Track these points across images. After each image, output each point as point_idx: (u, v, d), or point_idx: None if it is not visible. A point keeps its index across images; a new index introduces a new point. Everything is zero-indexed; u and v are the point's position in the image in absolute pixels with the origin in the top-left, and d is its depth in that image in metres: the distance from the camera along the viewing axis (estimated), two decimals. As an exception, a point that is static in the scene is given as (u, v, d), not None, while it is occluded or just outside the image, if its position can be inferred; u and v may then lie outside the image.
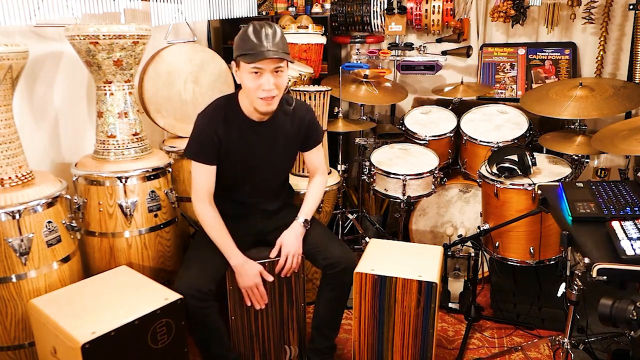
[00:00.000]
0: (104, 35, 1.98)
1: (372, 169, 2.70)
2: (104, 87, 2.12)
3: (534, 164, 2.28)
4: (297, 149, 2.11)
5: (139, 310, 1.66)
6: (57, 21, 2.11)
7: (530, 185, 2.23)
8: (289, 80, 2.71)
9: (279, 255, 1.98)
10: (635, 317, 1.32)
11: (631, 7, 2.79)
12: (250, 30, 1.75)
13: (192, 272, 1.86)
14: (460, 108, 2.99)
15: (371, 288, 1.94)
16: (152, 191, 2.16)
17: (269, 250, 2.01)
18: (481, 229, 2.40)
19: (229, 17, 3.06)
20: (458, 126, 2.87)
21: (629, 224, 1.52)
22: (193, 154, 1.91)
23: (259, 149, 1.96)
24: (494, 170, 2.35)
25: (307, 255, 2.03)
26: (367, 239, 2.71)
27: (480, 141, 2.70)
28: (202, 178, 1.92)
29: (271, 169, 2.04)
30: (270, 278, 1.94)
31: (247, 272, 1.89)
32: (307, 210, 2.06)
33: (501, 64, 3.23)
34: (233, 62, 1.86)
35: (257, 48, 1.73)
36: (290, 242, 1.98)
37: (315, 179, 2.16)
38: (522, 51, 3.19)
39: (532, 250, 2.30)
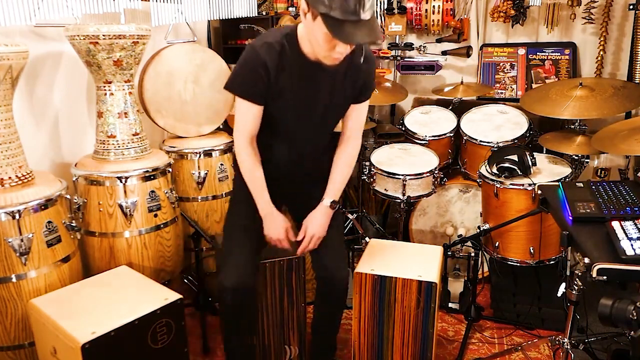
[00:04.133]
0: (104, 35, 1.98)
1: (372, 169, 2.70)
2: (104, 87, 2.12)
3: (534, 164, 2.28)
4: (351, 101, 1.85)
5: (138, 310, 1.66)
6: (57, 21, 2.11)
7: (530, 185, 2.23)
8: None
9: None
10: (635, 317, 1.32)
11: (631, 7, 2.79)
12: None
13: (235, 268, 1.79)
14: (460, 108, 2.99)
15: (371, 288, 1.94)
16: (152, 191, 2.16)
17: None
18: (481, 229, 2.40)
19: (229, 17, 3.05)
20: (458, 126, 2.87)
21: (629, 224, 1.52)
22: (239, 90, 1.68)
23: (312, 97, 1.73)
24: (494, 170, 2.35)
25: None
26: (367, 239, 2.70)
27: (480, 141, 2.70)
28: (247, 117, 1.71)
29: (320, 124, 1.84)
30: (293, 238, 1.86)
31: (274, 223, 1.82)
32: (334, 191, 1.86)
33: (501, 64, 3.23)
34: (306, 6, 1.51)
35: (349, 29, 1.44)
36: (316, 224, 1.85)
37: (349, 145, 1.90)
38: (522, 51, 3.19)
39: (532, 250, 2.30)
